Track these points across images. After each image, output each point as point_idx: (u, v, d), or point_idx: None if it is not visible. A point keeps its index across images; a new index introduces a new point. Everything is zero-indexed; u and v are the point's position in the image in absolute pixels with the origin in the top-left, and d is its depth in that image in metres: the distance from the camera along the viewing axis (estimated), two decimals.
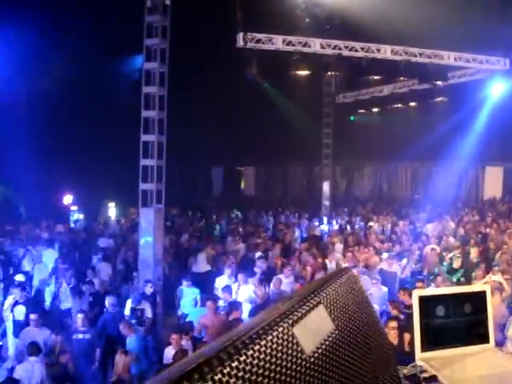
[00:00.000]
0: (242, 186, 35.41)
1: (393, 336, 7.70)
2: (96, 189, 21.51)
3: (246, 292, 11.20)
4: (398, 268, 12.73)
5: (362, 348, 1.02)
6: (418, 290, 2.38)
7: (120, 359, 8.28)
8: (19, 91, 17.67)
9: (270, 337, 0.78)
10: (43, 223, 17.89)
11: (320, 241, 16.58)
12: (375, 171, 29.32)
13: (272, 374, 0.74)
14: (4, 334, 10.67)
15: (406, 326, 7.59)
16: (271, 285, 11.52)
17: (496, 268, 11.75)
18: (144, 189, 12.72)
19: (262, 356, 0.74)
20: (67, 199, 23.35)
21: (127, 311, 10.64)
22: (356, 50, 16.70)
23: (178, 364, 0.73)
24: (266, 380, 0.73)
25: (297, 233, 18.33)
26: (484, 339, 2.49)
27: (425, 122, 24.76)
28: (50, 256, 13.73)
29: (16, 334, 9.84)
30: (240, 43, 15.56)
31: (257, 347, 0.74)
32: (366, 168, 29.16)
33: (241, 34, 15.51)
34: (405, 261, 13.39)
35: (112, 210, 24.18)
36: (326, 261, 13.36)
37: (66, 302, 11.37)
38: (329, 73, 17.51)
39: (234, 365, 0.69)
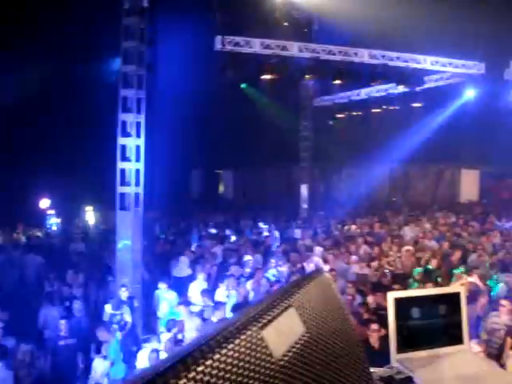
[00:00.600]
0: (221, 189, 35.36)
1: (375, 338, 7.75)
2: (74, 193, 21.30)
3: (224, 294, 11.21)
4: (368, 270, 12.84)
5: (334, 350, 1.02)
6: (393, 292, 2.38)
7: (98, 364, 8.21)
8: None
9: (238, 340, 0.77)
10: (19, 227, 17.68)
11: (297, 244, 16.61)
12: (353, 174, 29.45)
13: (239, 379, 0.73)
14: None
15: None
16: (249, 286, 11.54)
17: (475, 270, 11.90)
18: (122, 192, 12.63)
19: (229, 360, 0.73)
20: (44, 203, 23.08)
21: (106, 316, 10.56)
22: (334, 54, 16.77)
23: (143, 370, 0.72)
24: None
25: (276, 235, 18.36)
26: (458, 340, 2.51)
27: (402, 125, 24.94)
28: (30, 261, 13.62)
29: None
30: (218, 46, 15.54)
31: (224, 351, 0.74)
32: (344, 171, 29.30)
33: (219, 37, 15.49)
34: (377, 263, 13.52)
35: (90, 214, 23.97)
36: (304, 264, 13.40)
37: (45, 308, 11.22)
38: (306, 76, 17.50)
39: (199, 369, 0.68)
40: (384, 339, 7.80)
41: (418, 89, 18.80)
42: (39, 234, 18.16)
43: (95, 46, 17.77)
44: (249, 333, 0.80)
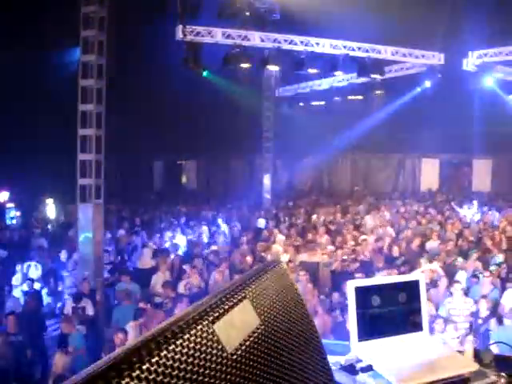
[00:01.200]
0: (184, 179, 35.16)
1: None
2: (33, 185, 20.88)
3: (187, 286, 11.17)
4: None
5: (291, 340, 1.01)
6: (354, 280, 2.39)
7: (60, 359, 8.10)
8: None
9: (188, 335, 0.75)
10: None
11: (261, 233, 16.65)
12: (316, 163, 29.60)
13: (189, 375, 0.71)
14: None
15: None
16: (212, 277, 11.54)
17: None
18: (83, 184, 12.45)
19: (177, 356, 0.71)
20: (3, 196, 22.61)
21: (67, 309, 10.43)
22: (295, 44, 16.78)
23: (86, 369, 0.69)
24: (181, 381, 0.70)
25: (238, 226, 18.36)
26: (418, 327, 2.54)
27: (364, 114, 25.16)
28: None
29: None
30: (179, 36, 15.38)
31: (171, 347, 0.71)
32: (306, 160, 29.40)
33: (180, 27, 15.33)
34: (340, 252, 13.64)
35: (50, 207, 23.57)
36: (266, 253, 13.44)
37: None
38: (268, 66, 17.47)
39: (144, 367, 0.66)
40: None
41: (378, 78, 18.94)
42: None
43: (54, 34, 17.38)
44: (199, 327, 0.78)
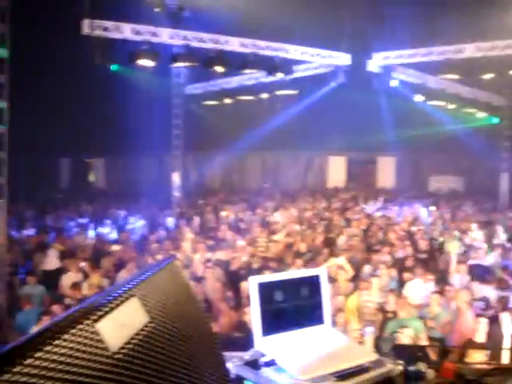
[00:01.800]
0: (92, 178, 34.32)
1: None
2: None
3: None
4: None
5: (183, 337, 1.00)
6: (256, 276, 2.42)
7: None
8: None
9: (67, 335, 0.73)
10: None
11: (170, 232, 16.53)
12: (225, 161, 29.71)
13: (66, 376, 0.69)
14: None
15: None
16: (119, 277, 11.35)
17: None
18: None
19: (55, 357, 0.69)
20: None
21: None
22: (204, 41, 16.74)
23: None
24: (58, 383, 0.68)
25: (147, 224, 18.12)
26: (320, 320, 2.60)
27: (273, 112, 25.49)
28: None
29: None
30: (86, 30, 14.95)
31: (49, 348, 0.69)
32: (216, 158, 29.43)
33: (86, 21, 14.92)
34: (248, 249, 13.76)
35: None
36: (176, 252, 13.35)
37: None
38: (177, 63, 17.31)
39: (15, 370, 0.63)
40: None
41: (287, 78, 19.23)
42: None
43: None
44: (80, 326, 0.77)
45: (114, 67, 17.59)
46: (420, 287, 10.42)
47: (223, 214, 19.58)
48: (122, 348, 0.83)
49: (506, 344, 7.85)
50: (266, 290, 2.42)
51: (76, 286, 10.72)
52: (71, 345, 0.74)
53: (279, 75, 18.40)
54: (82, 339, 0.76)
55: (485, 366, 3.98)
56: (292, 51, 18.09)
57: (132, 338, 0.87)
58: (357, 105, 23.72)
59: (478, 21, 16.52)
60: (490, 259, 12.90)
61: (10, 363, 0.64)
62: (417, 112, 23.66)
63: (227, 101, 25.49)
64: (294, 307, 2.51)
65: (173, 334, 1.00)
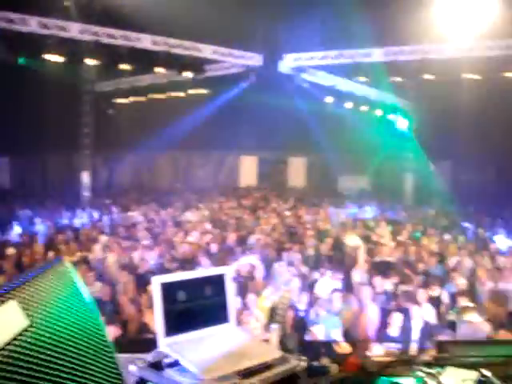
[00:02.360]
0: None
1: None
2: None
3: None
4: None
5: (70, 340, 0.97)
6: (158, 276, 2.40)
7: None
8: None
9: None
10: None
11: (79, 232, 16.08)
12: (136, 161, 29.29)
13: None
14: None
15: None
16: None
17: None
18: None
19: None
20: None
21: None
22: (115, 38, 16.39)
23: None
24: None
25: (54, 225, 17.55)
26: (225, 319, 2.61)
27: (185, 111, 25.34)
28: None
29: None
30: None
31: None
32: (126, 157, 28.93)
33: None
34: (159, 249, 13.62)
35: None
36: (88, 253, 13.02)
37: None
38: (87, 60, 16.84)
39: None
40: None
41: (199, 77, 19.16)
42: None
43: None
44: None
45: (21, 60, 16.91)
46: (328, 285, 10.65)
47: (133, 213, 19.26)
48: None
49: (414, 336, 8.18)
50: (169, 289, 2.39)
51: None
52: None
53: (191, 74, 18.32)
54: None
55: (386, 359, 4.12)
56: (204, 50, 18.04)
57: (9, 343, 0.84)
58: (268, 105, 23.98)
59: (388, 25, 17.12)
60: (395, 255, 13.38)
61: None
62: (327, 113, 24.21)
63: (139, 99, 25.13)
64: (198, 307, 2.49)
65: (59, 339, 0.97)
